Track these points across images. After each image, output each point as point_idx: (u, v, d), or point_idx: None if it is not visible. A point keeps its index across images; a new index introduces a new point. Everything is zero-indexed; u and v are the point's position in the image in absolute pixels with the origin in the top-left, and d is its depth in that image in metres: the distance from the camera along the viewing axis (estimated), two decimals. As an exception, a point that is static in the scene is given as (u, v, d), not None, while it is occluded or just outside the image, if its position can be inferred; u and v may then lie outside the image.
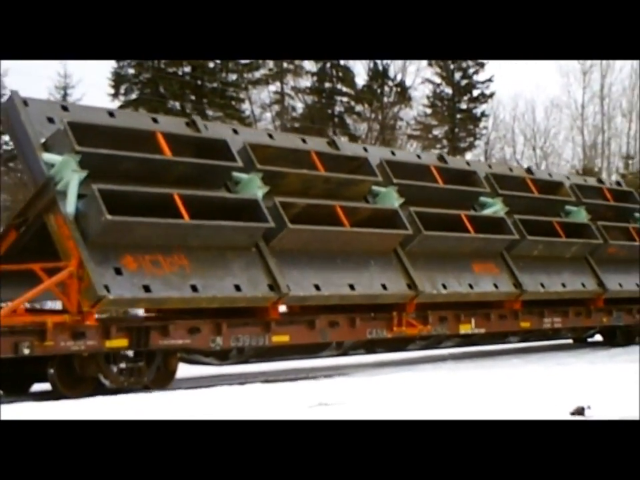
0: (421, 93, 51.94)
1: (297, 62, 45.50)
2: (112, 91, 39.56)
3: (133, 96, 39.64)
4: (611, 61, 56.45)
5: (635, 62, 56.07)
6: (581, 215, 21.56)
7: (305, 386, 13.72)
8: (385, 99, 49.09)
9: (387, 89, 49.32)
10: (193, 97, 39.84)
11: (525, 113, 58.05)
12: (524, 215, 19.79)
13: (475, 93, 51.29)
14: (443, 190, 18.73)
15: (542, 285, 19.63)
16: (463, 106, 51.49)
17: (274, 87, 46.44)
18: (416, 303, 17.08)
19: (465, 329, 18.33)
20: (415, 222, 17.15)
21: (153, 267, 13.41)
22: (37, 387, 14.11)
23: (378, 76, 48.67)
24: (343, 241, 16.03)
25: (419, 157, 20.60)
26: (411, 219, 17.14)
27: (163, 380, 13.99)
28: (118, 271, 12.98)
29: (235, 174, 15.12)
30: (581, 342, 23.57)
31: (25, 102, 13.74)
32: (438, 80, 50.86)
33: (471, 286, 18.10)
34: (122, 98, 39.68)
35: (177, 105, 39.65)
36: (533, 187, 21.06)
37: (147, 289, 13.14)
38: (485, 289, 18.40)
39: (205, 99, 40.04)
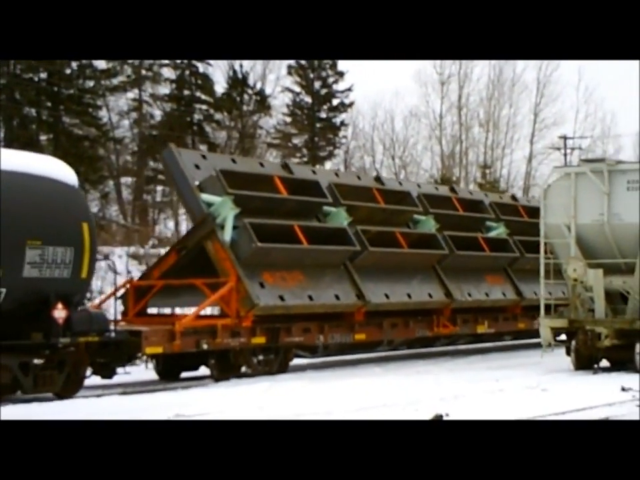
0: (280, 101, 50.08)
1: (155, 69, 44.75)
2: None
3: (-12, 102, 38.99)
4: (468, 71, 56.04)
5: (492, 73, 56.44)
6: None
7: (163, 397, 14.07)
8: (245, 107, 47.83)
9: (246, 97, 48.19)
10: (49, 104, 38.84)
11: (384, 123, 55.47)
12: (519, 236, 24.38)
13: (335, 102, 50.68)
14: (463, 217, 23.20)
15: (535, 293, 24.23)
16: (323, 115, 50.83)
17: (132, 93, 45.14)
18: (450, 308, 21.47)
19: (480, 329, 22.77)
20: (448, 244, 21.52)
21: (282, 281, 17.45)
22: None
23: (237, 84, 47.49)
24: (402, 259, 20.29)
25: (436, 188, 24.98)
26: (445, 241, 21.51)
27: (282, 369, 17.94)
28: (262, 285, 17.00)
29: (325, 207, 19.24)
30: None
31: (180, 152, 17.61)
32: (297, 89, 50.00)
33: (487, 294, 22.59)
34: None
35: (33, 111, 38.89)
36: (523, 212, 25.70)
37: (281, 298, 17.17)
38: (497, 297, 22.94)
39: (61, 105, 38.90)
